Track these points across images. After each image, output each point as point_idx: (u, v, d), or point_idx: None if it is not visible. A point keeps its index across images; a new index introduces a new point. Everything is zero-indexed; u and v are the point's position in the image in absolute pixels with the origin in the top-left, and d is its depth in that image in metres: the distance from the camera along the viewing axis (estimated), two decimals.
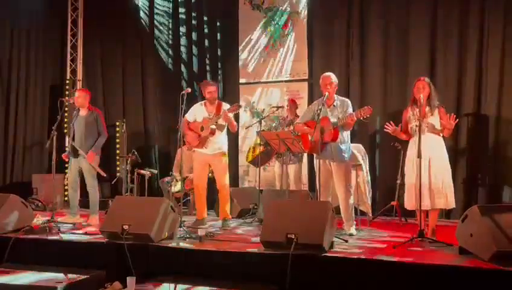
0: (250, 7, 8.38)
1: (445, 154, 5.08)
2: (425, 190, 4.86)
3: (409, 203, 5.14)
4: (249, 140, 8.19)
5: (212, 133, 5.93)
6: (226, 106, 6.06)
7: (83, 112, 6.44)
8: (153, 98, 9.11)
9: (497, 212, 4.00)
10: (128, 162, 7.49)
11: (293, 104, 6.97)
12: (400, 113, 5.49)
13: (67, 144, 6.63)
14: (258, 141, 6.92)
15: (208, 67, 8.67)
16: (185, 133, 6.09)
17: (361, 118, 5.10)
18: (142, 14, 9.20)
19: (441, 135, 5.06)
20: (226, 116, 5.82)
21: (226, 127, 6.09)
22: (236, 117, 7.69)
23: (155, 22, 9.08)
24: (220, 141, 6.03)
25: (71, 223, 6.05)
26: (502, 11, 6.69)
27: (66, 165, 6.60)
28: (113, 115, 9.10)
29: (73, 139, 6.39)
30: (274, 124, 7.38)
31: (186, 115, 6.09)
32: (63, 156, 6.56)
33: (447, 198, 5.00)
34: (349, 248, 4.58)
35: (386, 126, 5.28)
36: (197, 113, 6.10)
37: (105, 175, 6.58)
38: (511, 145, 6.60)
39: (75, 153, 6.33)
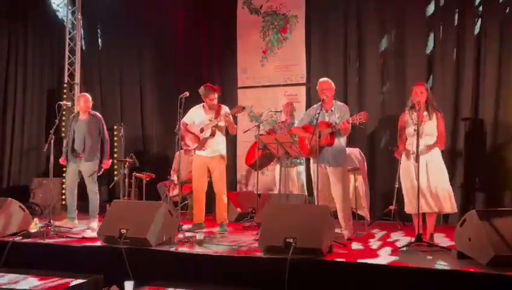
0: (248, 11, 8.40)
1: (441, 159, 5.09)
2: (421, 194, 4.86)
3: (408, 207, 5.15)
4: (246, 144, 8.19)
5: (213, 134, 5.93)
6: (225, 108, 6.05)
7: (84, 116, 6.45)
8: (151, 102, 9.12)
9: (495, 217, 4.01)
10: (126, 165, 7.48)
11: (288, 107, 7.00)
12: (397, 117, 5.49)
13: (64, 148, 6.58)
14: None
15: (206, 71, 8.67)
16: (183, 136, 6.08)
17: (357, 124, 5.10)
18: (141, 16, 9.20)
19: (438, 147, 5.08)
20: (228, 118, 5.83)
21: (225, 130, 6.09)
22: (235, 121, 7.68)
23: (154, 25, 9.08)
24: (219, 144, 6.02)
25: (69, 227, 6.03)
26: (498, 18, 6.72)
27: (64, 169, 6.59)
28: (110, 118, 9.06)
29: (72, 143, 6.39)
30: (273, 128, 7.38)
31: (184, 119, 6.05)
32: (61, 160, 6.54)
33: (446, 202, 5.00)
34: (348, 252, 4.58)
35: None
36: (195, 116, 6.08)
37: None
38: (509, 149, 6.61)
39: (74, 157, 6.34)
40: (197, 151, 6.02)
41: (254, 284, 4.12)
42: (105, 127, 6.54)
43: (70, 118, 6.76)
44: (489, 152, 6.73)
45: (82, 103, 6.48)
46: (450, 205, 5.02)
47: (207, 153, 5.98)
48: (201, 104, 6.14)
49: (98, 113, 6.63)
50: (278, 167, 6.92)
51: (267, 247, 4.33)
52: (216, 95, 6.03)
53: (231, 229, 6.19)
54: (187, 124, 6.08)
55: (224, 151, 6.08)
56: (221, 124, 5.96)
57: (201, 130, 5.97)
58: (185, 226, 5.87)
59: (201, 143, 5.97)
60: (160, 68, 9.07)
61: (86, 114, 6.46)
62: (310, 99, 7.77)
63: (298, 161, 6.73)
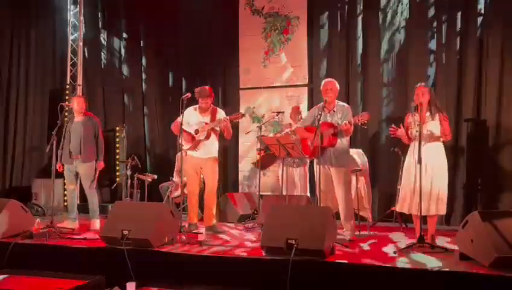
0: (250, 12, 8.39)
1: (445, 161, 5.06)
2: (423, 196, 4.84)
3: (402, 206, 5.12)
4: (248, 145, 8.20)
5: (208, 137, 5.93)
6: (221, 112, 6.04)
7: (79, 118, 6.43)
8: (153, 103, 9.12)
9: (497, 218, 4.00)
10: (128, 167, 7.48)
11: (296, 111, 6.95)
12: (399, 118, 5.49)
13: (59, 151, 6.46)
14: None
15: (208, 72, 8.67)
16: (175, 134, 6.05)
17: (359, 124, 5.10)
18: (143, 17, 9.20)
19: (441, 140, 5.06)
20: (226, 123, 5.81)
21: (219, 134, 6.08)
22: (236, 122, 7.69)
23: (156, 26, 9.09)
24: (212, 145, 6.01)
25: (70, 229, 6.03)
26: (501, 20, 6.71)
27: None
28: (112, 120, 9.10)
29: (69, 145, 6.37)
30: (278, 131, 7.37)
31: (179, 118, 6.01)
32: (57, 167, 6.36)
33: (441, 204, 4.98)
34: (350, 253, 4.58)
35: (390, 130, 5.24)
36: (190, 117, 6.02)
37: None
38: (511, 150, 6.60)
39: (70, 158, 6.31)
40: (189, 152, 6.02)
41: (256, 285, 4.12)
42: (100, 129, 6.51)
43: (66, 120, 6.71)
44: (492, 153, 6.71)
45: (76, 105, 6.44)
46: (443, 206, 4.99)
47: (199, 154, 5.97)
48: (196, 105, 6.11)
49: (93, 115, 6.61)
50: (280, 167, 6.91)
51: (269, 248, 4.33)
52: (209, 99, 5.97)
53: (233, 229, 6.19)
54: (181, 124, 6.03)
55: (217, 153, 6.08)
56: (217, 128, 5.95)
57: (196, 132, 5.96)
58: (187, 227, 5.87)
59: (195, 144, 5.97)
60: (162, 69, 9.07)
61: (81, 115, 6.43)
62: (312, 101, 7.76)
63: (300, 161, 6.70)
